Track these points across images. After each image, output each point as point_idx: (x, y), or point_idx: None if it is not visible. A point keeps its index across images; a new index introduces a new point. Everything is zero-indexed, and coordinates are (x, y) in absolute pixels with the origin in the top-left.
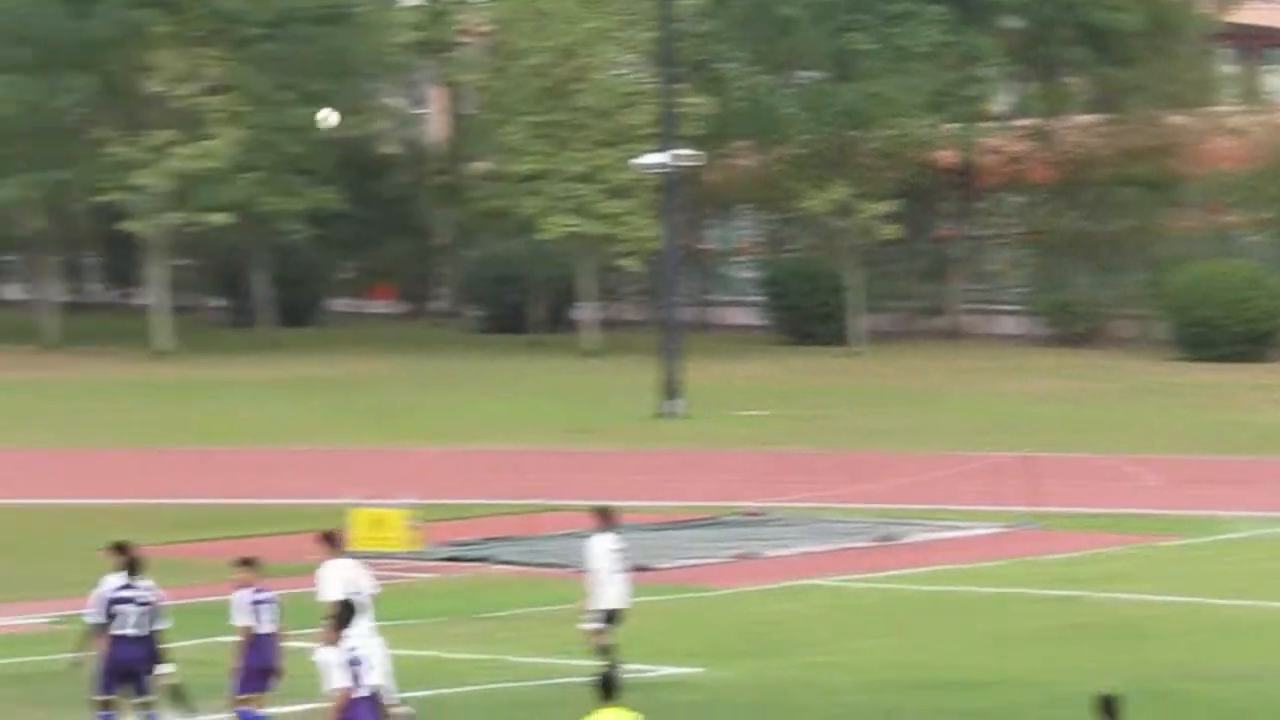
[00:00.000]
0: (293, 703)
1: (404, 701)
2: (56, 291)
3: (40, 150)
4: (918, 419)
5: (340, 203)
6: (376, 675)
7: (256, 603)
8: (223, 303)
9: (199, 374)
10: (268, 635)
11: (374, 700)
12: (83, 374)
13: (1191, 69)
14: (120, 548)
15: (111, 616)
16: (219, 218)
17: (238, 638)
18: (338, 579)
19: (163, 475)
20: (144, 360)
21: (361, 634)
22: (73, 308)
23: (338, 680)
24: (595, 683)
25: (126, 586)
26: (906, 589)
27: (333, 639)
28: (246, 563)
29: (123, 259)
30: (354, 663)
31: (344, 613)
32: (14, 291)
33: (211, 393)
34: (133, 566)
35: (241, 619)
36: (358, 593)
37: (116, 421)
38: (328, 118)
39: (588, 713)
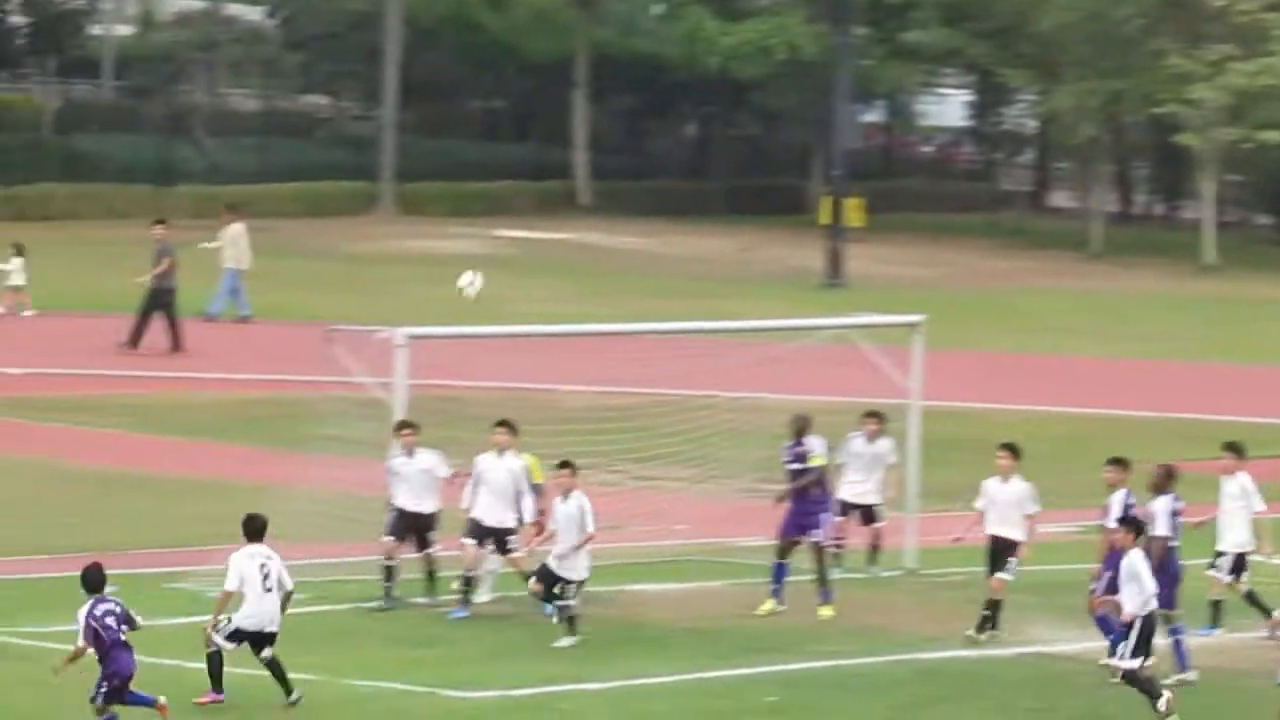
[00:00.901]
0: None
1: None
2: (1106, 201)
3: (1099, 59)
4: None
5: None
6: None
7: (1174, 513)
8: (1270, 220)
9: (1242, 290)
10: (1175, 546)
11: None
12: (1127, 285)
13: None
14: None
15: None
16: (1273, 135)
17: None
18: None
19: (1197, 390)
20: (1189, 274)
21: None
22: (1120, 218)
23: None
24: None
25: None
26: None
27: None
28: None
29: (1172, 172)
30: None
31: None
32: (1063, 199)
33: (1254, 310)
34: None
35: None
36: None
37: (1156, 334)
38: (470, 284)
39: None
